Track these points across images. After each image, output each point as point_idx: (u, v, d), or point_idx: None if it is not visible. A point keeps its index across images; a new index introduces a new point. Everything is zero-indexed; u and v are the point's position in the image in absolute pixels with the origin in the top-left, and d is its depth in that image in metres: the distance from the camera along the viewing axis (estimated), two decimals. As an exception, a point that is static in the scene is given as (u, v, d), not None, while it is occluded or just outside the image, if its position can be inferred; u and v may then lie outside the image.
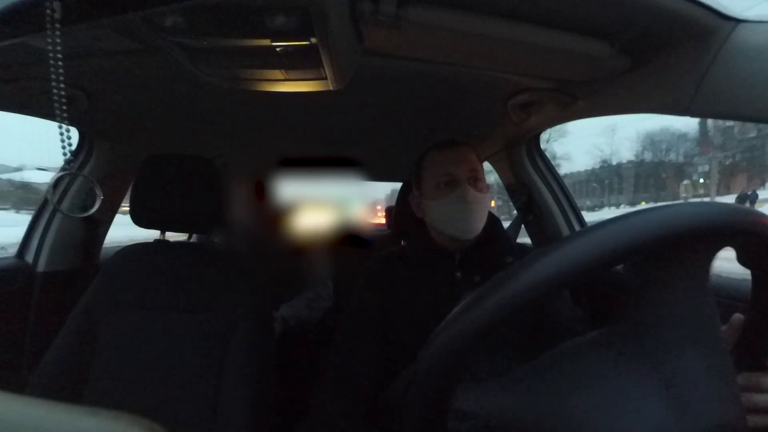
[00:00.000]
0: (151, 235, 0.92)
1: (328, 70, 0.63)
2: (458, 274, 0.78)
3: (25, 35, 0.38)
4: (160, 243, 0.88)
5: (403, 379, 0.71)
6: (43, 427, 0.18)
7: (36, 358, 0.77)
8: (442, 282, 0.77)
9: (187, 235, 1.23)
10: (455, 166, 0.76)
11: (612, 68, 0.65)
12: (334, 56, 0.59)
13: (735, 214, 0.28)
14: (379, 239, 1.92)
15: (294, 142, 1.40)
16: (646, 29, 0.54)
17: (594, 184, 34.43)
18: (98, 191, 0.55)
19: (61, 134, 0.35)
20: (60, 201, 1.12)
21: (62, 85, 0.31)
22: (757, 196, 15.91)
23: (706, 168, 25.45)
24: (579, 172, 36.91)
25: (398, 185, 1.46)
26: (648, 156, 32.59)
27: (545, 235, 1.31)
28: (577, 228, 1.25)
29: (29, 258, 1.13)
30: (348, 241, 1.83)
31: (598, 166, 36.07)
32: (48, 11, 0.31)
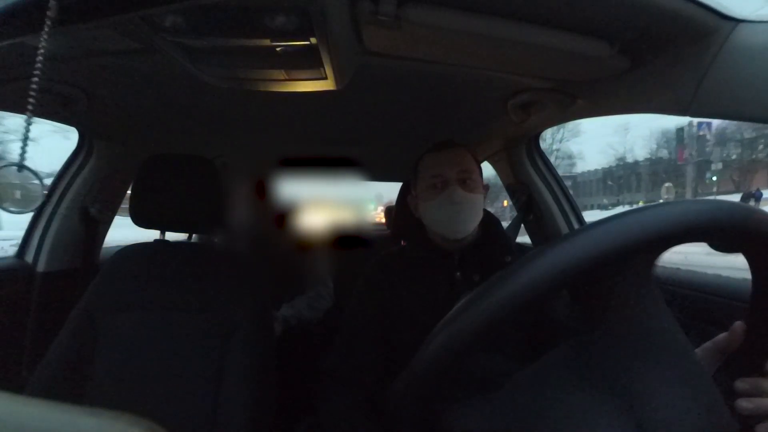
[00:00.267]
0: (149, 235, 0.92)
1: (328, 70, 0.63)
2: (458, 273, 0.78)
3: (25, 35, 0.38)
4: (160, 243, 0.88)
5: (402, 379, 0.71)
6: (43, 427, 0.18)
7: (36, 358, 0.77)
8: (441, 282, 0.78)
9: (187, 235, 1.23)
10: (445, 167, 0.77)
11: (612, 68, 0.65)
12: (334, 56, 0.59)
13: (737, 213, 0.28)
14: (379, 239, 1.92)
15: (294, 142, 1.40)
16: (646, 29, 0.54)
17: (609, 182, 34.43)
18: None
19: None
20: (60, 201, 1.13)
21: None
22: (761, 194, 15.92)
23: (720, 166, 25.76)
24: (596, 170, 37.10)
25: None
26: (663, 154, 32.40)
27: (545, 234, 1.31)
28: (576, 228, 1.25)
29: (29, 258, 1.13)
30: (348, 242, 1.83)
31: (612, 164, 36.13)
32: (48, 11, 0.31)
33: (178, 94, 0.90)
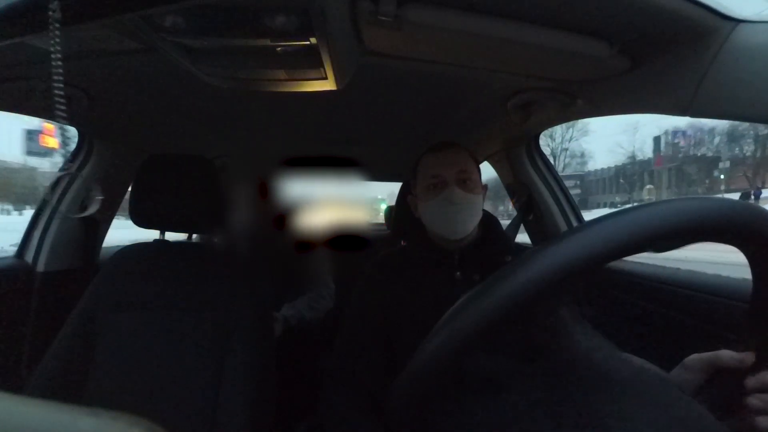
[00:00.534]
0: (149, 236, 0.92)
1: (328, 70, 0.63)
2: (458, 273, 0.78)
3: (25, 35, 0.38)
4: (159, 243, 0.88)
5: (402, 378, 0.71)
6: (43, 427, 0.18)
7: (36, 358, 0.77)
8: (441, 281, 0.78)
9: (187, 235, 1.23)
10: (443, 167, 0.78)
11: (612, 68, 0.65)
12: (334, 56, 0.59)
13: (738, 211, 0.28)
14: (379, 239, 1.92)
15: (294, 142, 1.40)
16: (646, 29, 0.54)
17: (621, 180, 34.45)
18: (98, 191, 0.56)
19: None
20: (60, 201, 1.13)
21: (62, 85, 0.31)
22: (761, 192, 15.94)
23: (727, 164, 26.19)
24: (607, 168, 37.17)
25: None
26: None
27: (545, 234, 1.31)
28: None
29: (29, 258, 1.13)
30: (348, 243, 1.83)
31: (622, 163, 36.16)
32: (48, 11, 0.31)
33: (178, 94, 0.90)
